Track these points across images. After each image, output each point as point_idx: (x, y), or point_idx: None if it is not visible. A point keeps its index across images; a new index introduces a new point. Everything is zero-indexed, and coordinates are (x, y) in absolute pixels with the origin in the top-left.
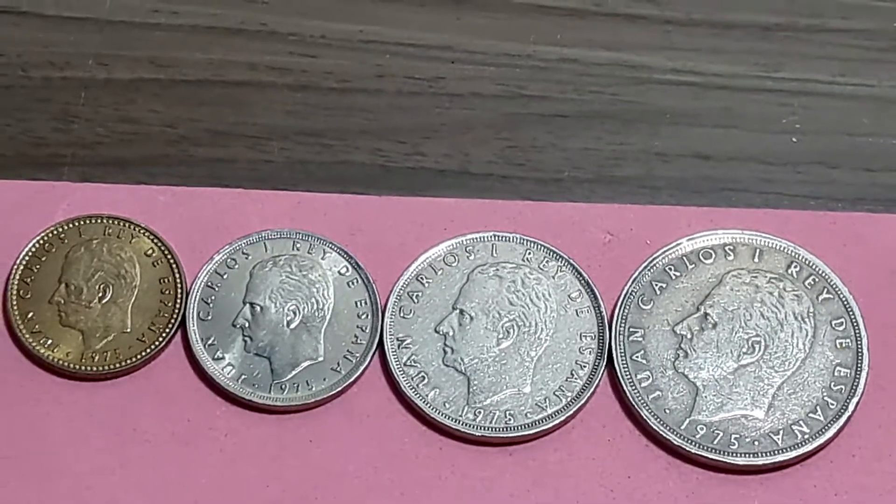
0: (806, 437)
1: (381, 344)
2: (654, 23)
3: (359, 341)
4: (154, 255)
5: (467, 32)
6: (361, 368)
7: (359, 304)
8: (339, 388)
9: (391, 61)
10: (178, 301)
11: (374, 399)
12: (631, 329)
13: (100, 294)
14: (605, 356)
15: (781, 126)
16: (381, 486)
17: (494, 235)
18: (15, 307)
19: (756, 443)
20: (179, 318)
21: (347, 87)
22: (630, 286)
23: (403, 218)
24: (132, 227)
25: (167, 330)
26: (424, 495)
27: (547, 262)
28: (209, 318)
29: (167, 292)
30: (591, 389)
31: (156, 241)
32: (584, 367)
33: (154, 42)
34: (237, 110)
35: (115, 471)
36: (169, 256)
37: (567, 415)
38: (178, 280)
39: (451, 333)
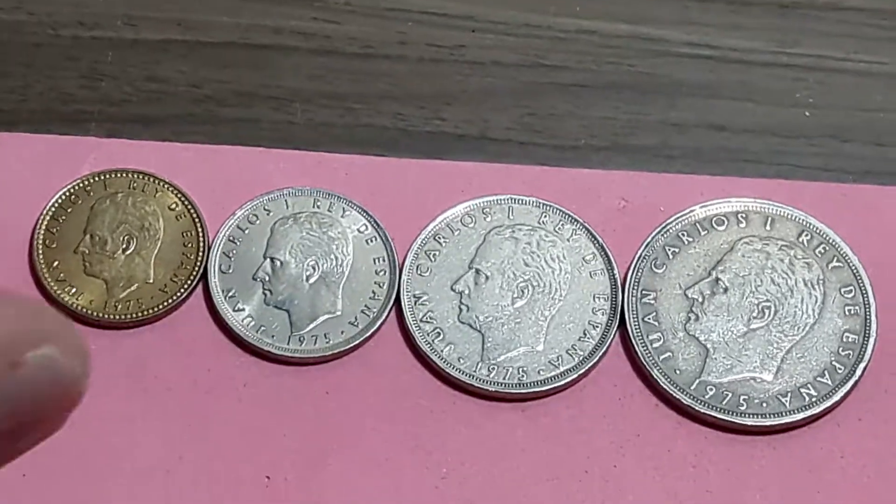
0: (814, 399)
1: (398, 300)
2: None
3: (376, 297)
4: (178, 209)
5: (489, 2)
6: (378, 323)
7: (377, 261)
8: (356, 342)
9: (414, 29)
10: (201, 254)
11: (390, 353)
12: (643, 291)
13: (124, 245)
14: (618, 317)
15: (795, 100)
16: (396, 438)
17: (511, 198)
18: (41, 255)
19: (764, 404)
20: (201, 271)
21: (370, 52)
22: (643, 250)
23: (422, 180)
24: (157, 181)
25: (189, 281)
26: (438, 448)
27: (562, 225)
28: (230, 271)
29: (190, 245)
30: (604, 349)
31: (180, 195)
32: (597, 327)
33: (182, 4)
34: (262, 73)
35: (136, 417)
36: (192, 211)
37: (579, 373)
38: (201, 234)
39: (466, 292)
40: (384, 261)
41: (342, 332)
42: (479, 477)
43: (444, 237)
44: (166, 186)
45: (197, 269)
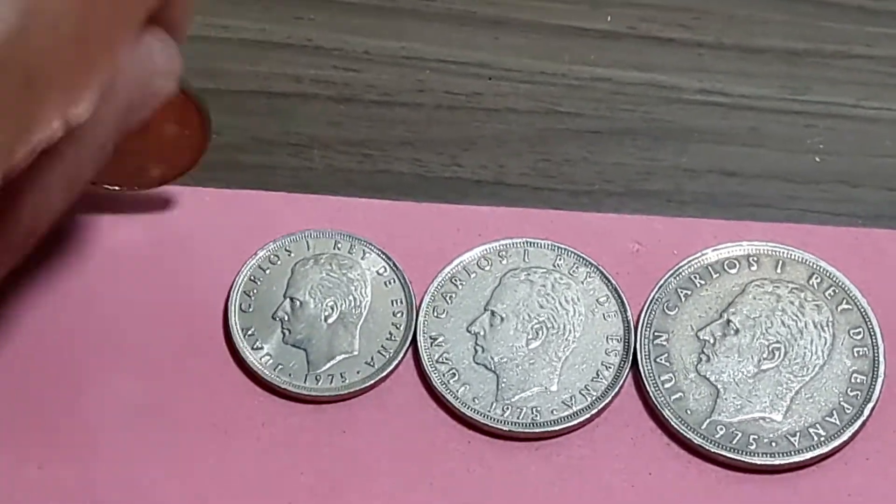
0: (822, 439)
1: (414, 341)
2: (686, 46)
3: (393, 338)
4: None
5: (504, 51)
6: (394, 363)
7: (394, 302)
8: (372, 382)
9: (431, 77)
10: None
11: (405, 393)
12: (656, 333)
13: None
14: (630, 358)
15: (806, 146)
16: (411, 477)
17: (527, 242)
18: None
19: (774, 444)
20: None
21: (389, 100)
22: (656, 293)
23: (440, 224)
24: None
25: None
26: (453, 487)
27: (577, 268)
28: (250, 309)
29: None
30: (616, 389)
31: None
32: (610, 368)
33: (205, 54)
34: (282, 120)
35: (155, 456)
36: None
37: (592, 413)
38: None
39: (482, 333)
40: (402, 302)
41: (358, 372)
42: None
43: (460, 279)
44: None
45: None
